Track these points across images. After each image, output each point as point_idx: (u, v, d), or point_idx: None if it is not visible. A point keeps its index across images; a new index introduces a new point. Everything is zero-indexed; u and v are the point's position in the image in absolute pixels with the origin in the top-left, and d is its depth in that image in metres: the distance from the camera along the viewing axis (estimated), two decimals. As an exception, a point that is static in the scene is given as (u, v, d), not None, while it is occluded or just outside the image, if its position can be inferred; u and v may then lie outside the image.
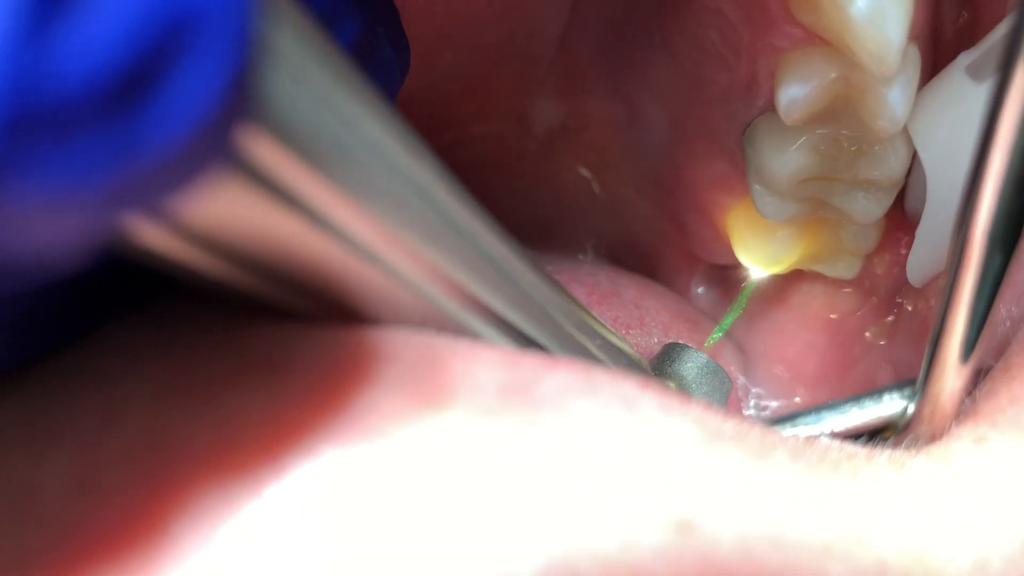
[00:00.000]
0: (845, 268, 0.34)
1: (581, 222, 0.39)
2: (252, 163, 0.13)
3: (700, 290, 0.38)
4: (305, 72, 0.14)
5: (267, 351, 0.17)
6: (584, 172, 0.39)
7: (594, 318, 0.25)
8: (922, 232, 0.29)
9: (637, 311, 0.34)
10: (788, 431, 0.29)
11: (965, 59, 0.28)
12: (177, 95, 0.10)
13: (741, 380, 0.34)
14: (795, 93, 0.28)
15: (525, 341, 0.21)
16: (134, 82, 0.09)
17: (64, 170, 0.09)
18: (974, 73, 0.28)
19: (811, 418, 0.30)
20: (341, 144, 0.15)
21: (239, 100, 0.11)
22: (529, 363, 0.19)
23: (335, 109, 0.14)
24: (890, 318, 0.35)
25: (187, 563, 0.16)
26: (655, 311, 0.34)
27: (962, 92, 0.28)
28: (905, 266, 0.31)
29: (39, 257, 0.10)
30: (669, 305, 0.35)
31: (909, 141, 0.29)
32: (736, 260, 0.36)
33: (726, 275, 0.38)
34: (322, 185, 0.14)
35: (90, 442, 0.17)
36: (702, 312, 0.37)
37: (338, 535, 0.16)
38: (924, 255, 0.30)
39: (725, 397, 0.30)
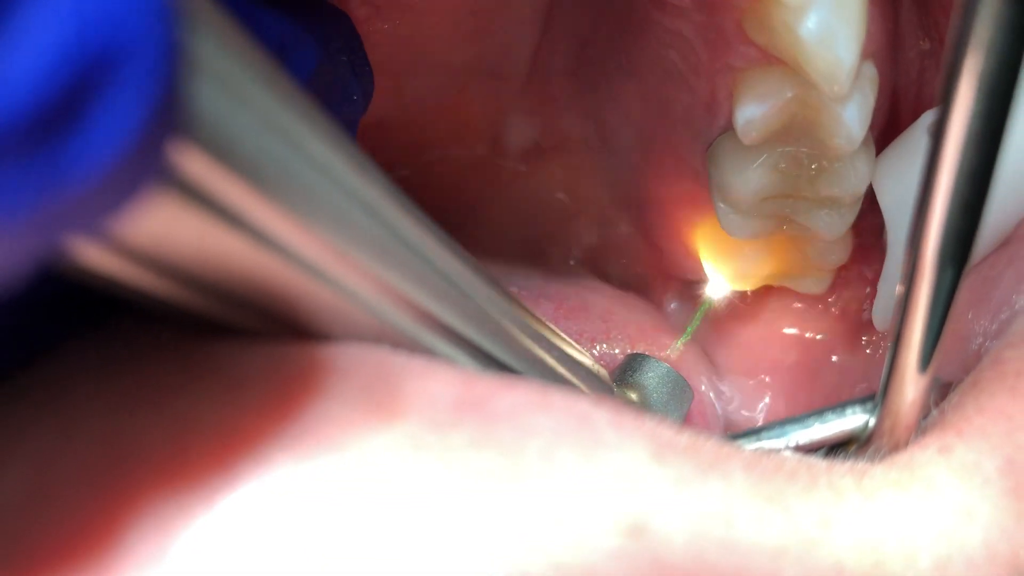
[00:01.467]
0: (814, 283, 0.35)
1: (556, 239, 0.40)
2: (188, 181, 0.13)
3: (673, 305, 0.39)
4: (240, 91, 0.14)
5: (219, 364, 0.18)
6: (559, 190, 0.40)
7: (553, 331, 0.26)
8: (884, 280, 0.30)
9: (604, 324, 0.34)
10: (752, 445, 0.30)
11: (927, 119, 0.29)
12: (100, 125, 0.10)
13: (709, 392, 0.35)
14: (752, 113, 0.28)
15: (481, 355, 0.21)
16: (57, 113, 0.10)
17: None
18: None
19: (775, 432, 0.30)
20: (282, 162, 0.15)
21: (166, 124, 0.11)
22: (485, 381, 0.19)
23: (274, 127, 0.15)
24: (863, 335, 0.35)
25: (134, 562, 0.16)
26: (622, 324, 0.35)
27: (923, 150, 0.29)
28: (875, 283, 0.32)
29: None
30: (637, 318, 0.36)
31: (869, 159, 0.30)
32: (707, 276, 0.36)
33: (698, 290, 0.38)
34: (263, 202, 0.15)
35: (45, 456, 0.17)
36: (672, 325, 0.37)
37: (290, 545, 0.17)
38: (887, 301, 0.31)
39: (686, 406, 0.31)
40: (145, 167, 0.12)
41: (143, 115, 0.11)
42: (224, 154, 0.14)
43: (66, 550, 0.16)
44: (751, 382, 0.36)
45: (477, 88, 0.37)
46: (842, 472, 0.22)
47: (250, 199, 0.14)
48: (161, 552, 0.16)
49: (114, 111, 0.10)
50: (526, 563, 0.17)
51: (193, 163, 0.13)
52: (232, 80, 0.14)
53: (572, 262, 0.39)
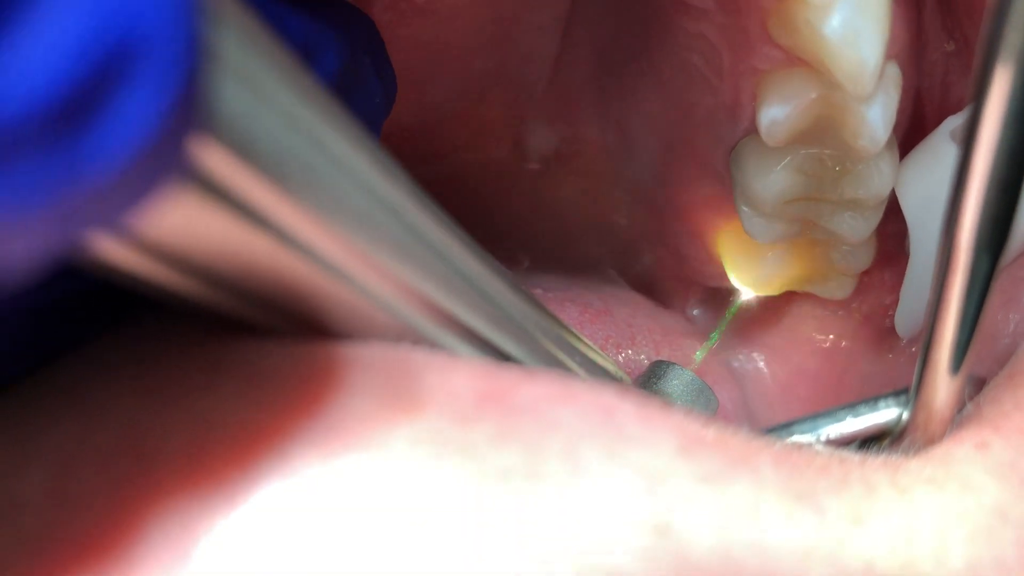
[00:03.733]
0: (838, 288, 0.35)
1: (577, 244, 0.40)
2: (209, 178, 0.13)
3: (695, 311, 0.38)
4: (264, 88, 0.14)
5: (241, 362, 0.18)
6: (580, 196, 0.40)
7: (575, 335, 0.26)
8: (907, 287, 0.30)
9: (628, 330, 0.34)
10: (783, 439, 0.29)
11: (950, 124, 0.28)
12: (120, 118, 0.10)
13: (732, 403, 0.35)
14: (776, 114, 0.28)
15: (503, 358, 0.21)
16: (76, 106, 0.10)
17: (6, 192, 0.10)
18: (958, 137, 0.29)
19: (807, 426, 0.30)
20: (305, 160, 0.15)
21: (187, 119, 0.11)
22: (507, 374, 0.19)
23: (298, 125, 0.15)
24: (887, 341, 0.35)
25: (155, 559, 0.16)
26: (647, 330, 0.35)
27: (947, 155, 0.29)
28: (898, 289, 0.32)
29: None
30: (661, 324, 0.35)
31: (892, 161, 0.30)
32: (730, 282, 0.36)
33: (720, 296, 0.38)
34: (285, 201, 0.15)
35: (67, 455, 0.17)
36: (696, 330, 0.37)
37: (313, 544, 0.17)
38: (910, 308, 0.30)
39: (711, 414, 0.31)
40: (165, 162, 0.12)
41: (163, 109, 0.11)
42: (246, 151, 0.14)
43: (88, 550, 0.16)
44: (774, 388, 0.35)
45: (498, 94, 0.37)
46: (875, 467, 0.21)
47: (272, 197, 0.14)
48: (184, 552, 0.16)
49: (134, 104, 0.10)
50: (549, 564, 0.17)
51: (214, 159, 0.13)
52: (256, 76, 0.14)
53: (595, 267, 0.39)
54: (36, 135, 0.10)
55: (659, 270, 0.38)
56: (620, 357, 0.33)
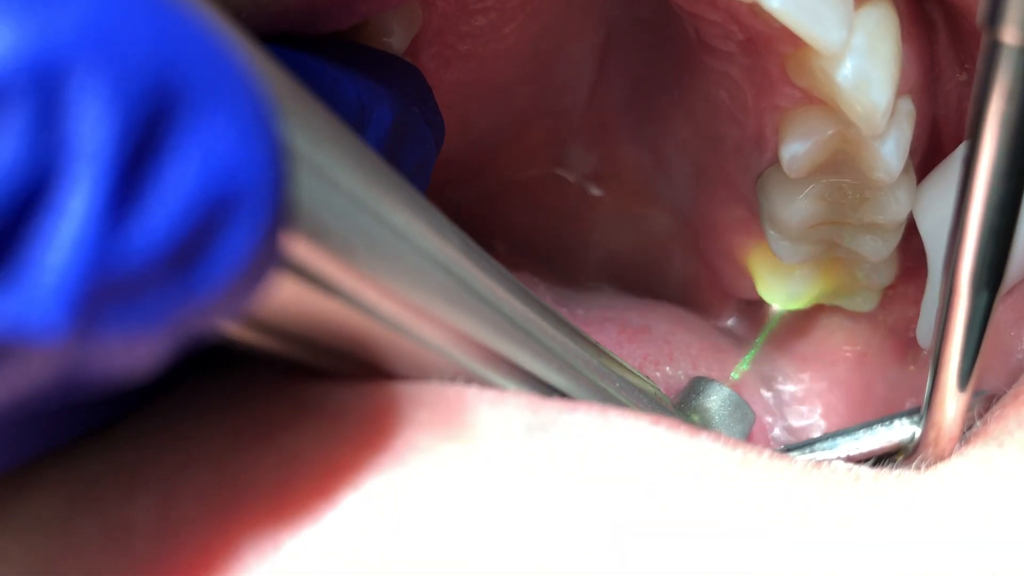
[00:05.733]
0: (863, 302, 0.37)
1: (615, 262, 0.42)
2: (294, 264, 0.16)
3: (731, 322, 0.41)
4: (333, 177, 0.17)
5: (318, 402, 0.20)
6: (619, 215, 0.42)
7: (616, 361, 0.28)
8: (927, 302, 0.32)
9: (667, 346, 0.36)
10: (805, 457, 0.32)
11: (962, 151, 0.30)
12: (222, 251, 0.13)
13: (767, 412, 0.37)
14: (796, 149, 0.30)
15: (547, 389, 0.24)
16: (188, 249, 0.13)
17: (133, 320, 0.12)
18: None
19: (827, 444, 0.32)
20: (368, 235, 0.18)
21: (275, 240, 0.14)
22: (551, 405, 0.21)
23: (362, 205, 0.17)
24: (911, 351, 0.37)
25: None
26: (684, 345, 0.37)
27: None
28: (920, 301, 0.34)
29: (125, 372, 0.13)
30: (699, 339, 0.38)
31: (909, 187, 0.32)
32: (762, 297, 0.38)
33: (755, 307, 0.40)
34: (353, 272, 0.17)
35: (172, 484, 0.20)
36: (732, 344, 0.39)
37: (384, 553, 0.19)
38: (929, 321, 0.32)
39: (748, 428, 0.33)
40: (260, 273, 0.14)
41: (257, 243, 0.13)
42: (321, 236, 0.16)
43: (194, 568, 0.19)
44: (808, 396, 0.37)
45: (539, 123, 0.39)
46: (889, 482, 0.23)
47: (343, 271, 0.17)
48: (277, 569, 0.19)
49: (233, 241, 0.13)
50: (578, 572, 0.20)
51: (298, 248, 0.16)
52: (326, 169, 0.17)
53: (633, 283, 0.41)
54: (156, 277, 0.12)
55: (695, 286, 0.40)
56: (658, 374, 0.35)
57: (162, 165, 0.12)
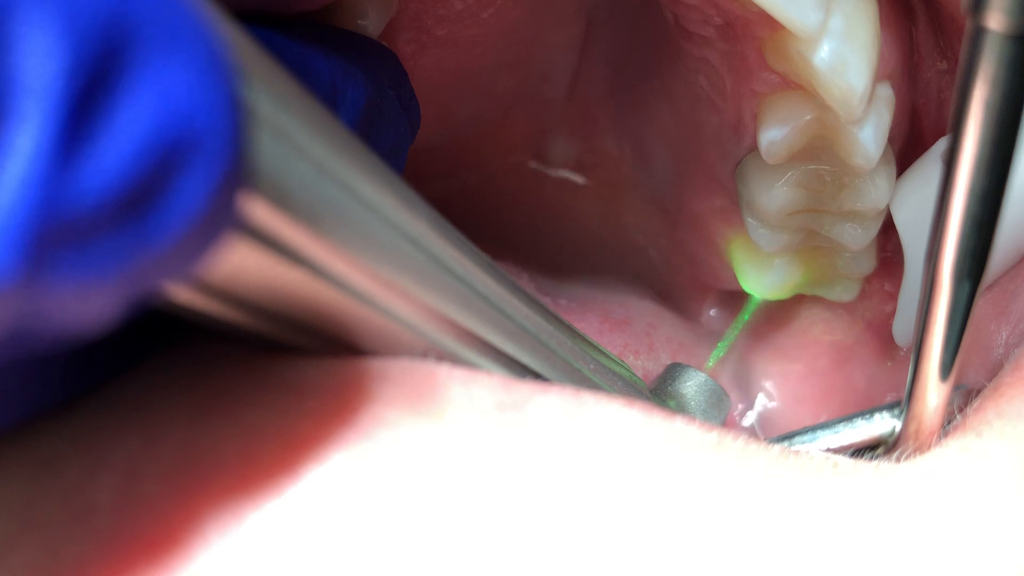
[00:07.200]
0: (844, 291, 0.36)
1: (598, 252, 0.42)
2: (252, 226, 0.15)
3: (712, 312, 0.40)
4: (297, 144, 0.16)
5: (283, 378, 0.20)
6: (599, 206, 0.42)
7: (591, 344, 0.28)
8: (903, 300, 0.32)
9: (647, 337, 0.36)
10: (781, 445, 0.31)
11: (941, 146, 0.30)
12: (177, 200, 0.13)
13: (742, 401, 0.36)
14: (774, 135, 0.30)
15: (520, 369, 0.23)
16: (140, 193, 0.12)
17: (85, 266, 0.12)
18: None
19: (806, 437, 0.32)
20: (335, 204, 0.17)
21: (231, 192, 0.13)
22: (523, 386, 0.21)
23: (328, 173, 0.17)
24: (890, 345, 0.37)
25: (216, 551, 0.18)
26: (664, 336, 0.37)
27: (937, 175, 0.31)
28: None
29: (78, 324, 0.13)
30: (679, 329, 0.37)
31: (889, 174, 0.31)
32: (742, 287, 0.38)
33: (737, 298, 0.40)
34: (319, 241, 0.17)
35: (133, 462, 0.19)
36: (712, 335, 0.39)
37: (348, 526, 0.19)
38: (906, 319, 0.32)
39: (724, 414, 0.33)
40: (216, 226, 0.14)
41: (211, 189, 0.13)
42: (284, 201, 0.16)
43: (154, 545, 0.19)
44: (786, 386, 0.37)
45: (519, 111, 0.39)
46: (867, 471, 0.23)
47: (307, 239, 0.17)
48: (239, 541, 0.19)
49: (188, 187, 0.13)
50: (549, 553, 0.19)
51: (257, 211, 0.15)
52: (289, 131, 0.16)
53: (615, 274, 0.41)
54: (108, 220, 0.12)
55: (676, 276, 0.40)
56: (639, 363, 0.35)
57: (115, 104, 0.12)
